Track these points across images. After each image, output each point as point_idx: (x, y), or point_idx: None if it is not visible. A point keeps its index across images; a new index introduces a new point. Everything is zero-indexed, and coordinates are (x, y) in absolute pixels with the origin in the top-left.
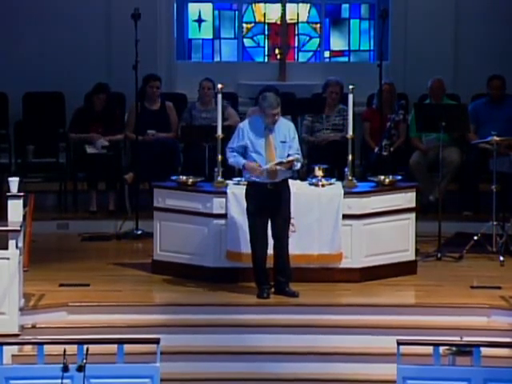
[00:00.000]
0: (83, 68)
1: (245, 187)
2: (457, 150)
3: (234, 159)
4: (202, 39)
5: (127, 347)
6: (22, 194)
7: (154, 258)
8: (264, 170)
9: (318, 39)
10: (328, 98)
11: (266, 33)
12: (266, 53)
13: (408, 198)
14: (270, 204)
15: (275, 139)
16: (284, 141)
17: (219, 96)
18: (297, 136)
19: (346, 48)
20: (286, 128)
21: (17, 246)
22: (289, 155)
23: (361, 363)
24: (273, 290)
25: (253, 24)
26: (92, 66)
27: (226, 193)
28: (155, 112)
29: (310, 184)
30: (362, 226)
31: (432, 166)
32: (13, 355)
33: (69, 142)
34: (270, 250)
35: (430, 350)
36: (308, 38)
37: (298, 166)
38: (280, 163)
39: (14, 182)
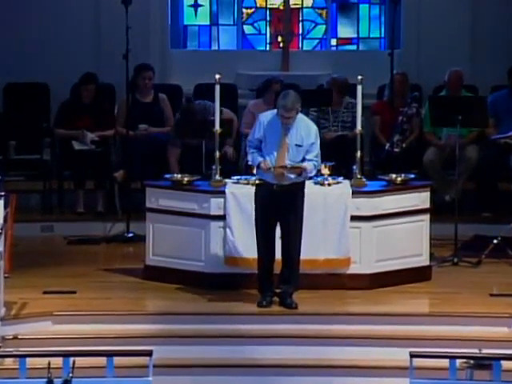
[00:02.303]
0: (70, 57)
1: (249, 186)
2: (475, 146)
3: (252, 157)
4: (199, 26)
5: (117, 360)
6: (2, 193)
7: (147, 263)
8: (270, 168)
9: (324, 26)
10: (335, 96)
11: (268, 19)
12: (268, 41)
13: (422, 198)
14: (276, 206)
15: (290, 140)
16: (300, 144)
17: (217, 88)
18: (318, 141)
19: (355, 35)
20: (306, 131)
21: None
22: (304, 160)
23: (371, 377)
24: (276, 299)
25: (253, 9)
26: (79, 54)
27: (224, 192)
28: (148, 105)
29: (316, 183)
30: (372, 228)
31: (448, 164)
32: None
33: (54, 137)
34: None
35: (445, 363)
36: (313, 24)
37: (313, 172)
38: (283, 167)
39: None
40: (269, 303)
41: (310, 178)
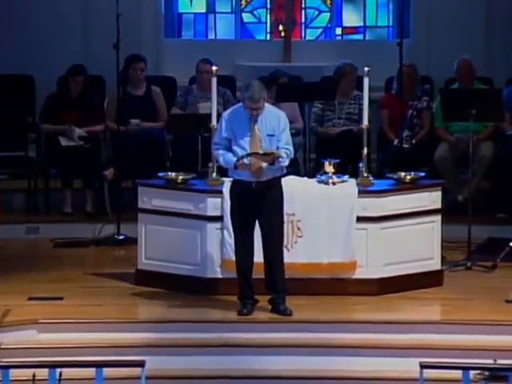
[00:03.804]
0: (56, 47)
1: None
2: (489, 142)
3: (223, 158)
4: (194, 13)
5: (107, 371)
6: None
7: (139, 268)
8: (247, 165)
9: (329, 14)
10: (345, 86)
11: (268, 6)
12: (268, 29)
13: (433, 198)
14: (254, 206)
15: (261, 132)
16: (272, 134)
17: (214, 80)
18: (288, 128)
19: (361, 24)
20: (275, 119)
21: None
22: (277, 149)
23: None
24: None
25: None
26: (66, 44)
27: (221, 192)
28: (140, 98)
29: (319, 182)
30: (380, 230)
31: (460, 161)
32: None
33: (39, 132)
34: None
35: (458, 374)
36: (317, 12)
37: (286, 162)
38: (255, 154)
39: None
40: (249, 311)
41: (287, 174)
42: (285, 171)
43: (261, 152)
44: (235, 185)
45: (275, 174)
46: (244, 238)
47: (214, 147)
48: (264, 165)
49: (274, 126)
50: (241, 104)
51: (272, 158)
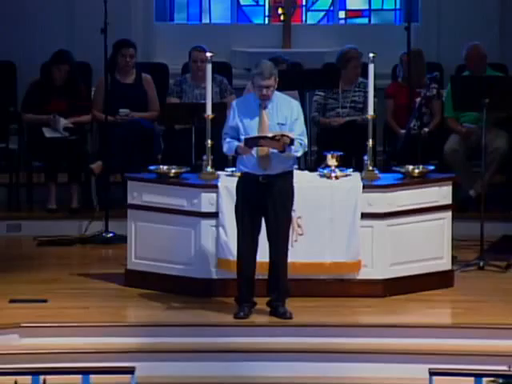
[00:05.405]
0: (39, 32)
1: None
2: (503, 133)
3: (227, 146)
4: None
5: (94, 378)
6: None
7: (128, 268)
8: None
9: None
10: (349, 73)
11: None
12: (267, 13)
13: (443, 193)
14: (261, 201)
15: (271, 120)
16: (283, 123)
17: (209, 67)
18: (302, 118)
19: (366, 7)
20: (287, 107)
21: None
22: None
23: None
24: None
25: None
26: (50, 28)
27: (216, 187)
28: (129, 86)
29: (322, 175)
30: (386, 227)
31: (473, 154)
32: None
33: (22, 123)
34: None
35: (470, 381)
36: None
37: (299, 152)
38: (263, 138)
39: None
40: (247, 314)
41: (299, 168)
42: (296, 165)
43: (269, 135)
44: (242, 179)
45: (285, 168)
46: (248, 237)
47: (222, 137)
48: (275, 152)
49: (286, 115)
50: (251, 92)
51: (282, 143)
